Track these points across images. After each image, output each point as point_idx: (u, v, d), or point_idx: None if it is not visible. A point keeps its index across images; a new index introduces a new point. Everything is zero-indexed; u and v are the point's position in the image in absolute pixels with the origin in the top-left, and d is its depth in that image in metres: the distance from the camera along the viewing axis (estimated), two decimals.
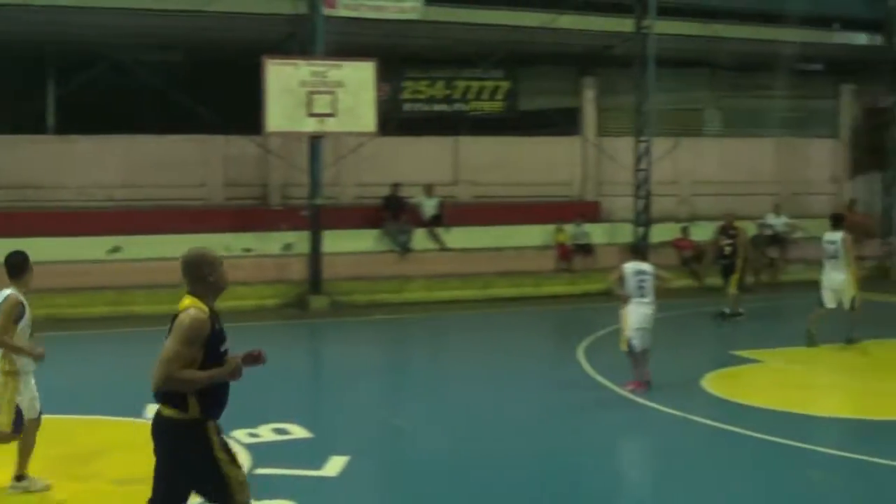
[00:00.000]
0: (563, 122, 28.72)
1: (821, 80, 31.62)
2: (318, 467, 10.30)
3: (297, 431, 12.03)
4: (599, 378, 15.38)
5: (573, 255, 26.70)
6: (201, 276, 6.80)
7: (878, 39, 29.66)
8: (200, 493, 6.90)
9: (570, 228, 26.95)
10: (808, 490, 10.32)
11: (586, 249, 26.68)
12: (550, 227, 26.93)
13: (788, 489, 10.28)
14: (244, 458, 10.90)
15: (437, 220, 26.17)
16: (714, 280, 25.65)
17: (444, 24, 24.34)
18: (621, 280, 14.53)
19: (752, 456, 11.48)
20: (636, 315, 14.41)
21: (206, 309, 6.71)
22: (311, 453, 10.61)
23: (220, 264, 6.88)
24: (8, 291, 9.50)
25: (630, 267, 14.55)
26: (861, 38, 29.59)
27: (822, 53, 29.60)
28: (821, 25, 28.33)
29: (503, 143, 27.91)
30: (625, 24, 25.82)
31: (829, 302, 17.95)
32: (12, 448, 9.72)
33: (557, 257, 26.69)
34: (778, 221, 28.33)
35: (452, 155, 27.84)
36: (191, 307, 6.64)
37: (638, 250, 15.79)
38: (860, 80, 31.65)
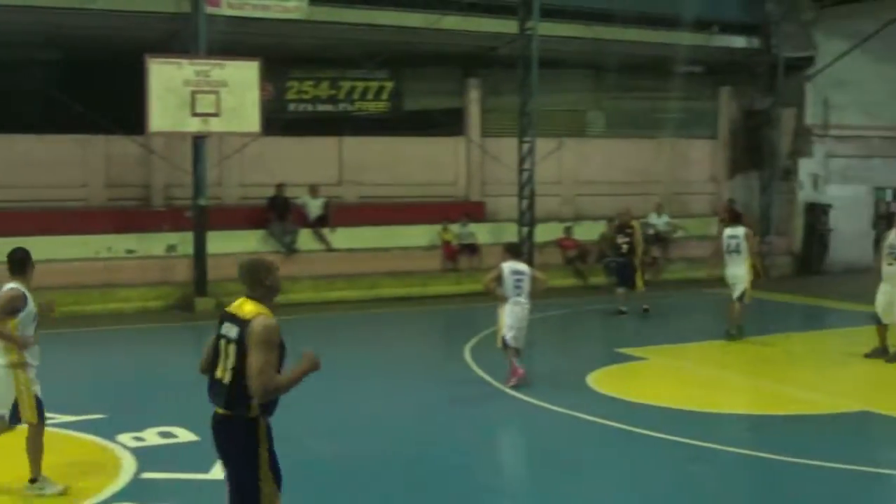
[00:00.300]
0: (448, 123, 28.75)
1: (701, 83, 32.15)
2: (205, 471, 10.13)
3: (183, 435, 11.89)
4: (487, 377, 15.47)
5: (459, 254, 26.80)
6: (259, 280, 7.17)
7: (755, 42, 30.30)
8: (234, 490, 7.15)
9: (455, 228, 27.05)
10: (696, 485, 10.51)
11: (472, 249, 26.81)
12: (436, 227, 27.00)
13: (675, 485, 10.47)
14: (130, 463, 10.77)
15: (322, 221, 26.02)
16: (598, 279, 26.05)
17: (329, 24, 24.20)
18: (499, 279, 14.70)
19: (639, 452, 11.67)
20: (513, 314, 14.62)
21: (271, 314, 7.00)
22: (198, 457, 10.45)
23: (276, 269, 7.26)
24: (11, 284, 9.92)
25: (508, 267, 14.74)
26: (739, 42, 30.18)
27: (702, 56, 30.09)
28: (701, 29, 28.85)
29: (388, 143, 27.88)
30: (509, 26, 25.98)
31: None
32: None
33: (443, 257, 26.77)
34: (660, 221, 28.78)
35: (337, 155, 27.70)
36: (258, 314, 6.96)
37: (515, 250, 15.94)
38: (738, 82, 32.31)
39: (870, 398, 14.42)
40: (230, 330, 6.99)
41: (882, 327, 16.73)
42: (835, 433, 12.67)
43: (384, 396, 14.61)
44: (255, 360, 6.78)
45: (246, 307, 7.03)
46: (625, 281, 22.14)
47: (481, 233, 27.40)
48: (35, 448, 9.76)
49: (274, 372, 6.84)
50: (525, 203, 26.75)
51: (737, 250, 18.45)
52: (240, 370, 6.87)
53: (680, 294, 25.20)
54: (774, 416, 13.73)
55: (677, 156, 31.98)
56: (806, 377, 16.36)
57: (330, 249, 25.77)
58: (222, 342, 7.02)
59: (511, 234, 26.08)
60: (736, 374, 16.42)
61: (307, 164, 26.67)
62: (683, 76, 30.71)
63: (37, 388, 9.80)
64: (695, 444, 11.64)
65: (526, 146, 26.65)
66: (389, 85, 27.78)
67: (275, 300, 7.14)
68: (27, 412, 9.70)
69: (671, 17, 27.27)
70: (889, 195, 32.44)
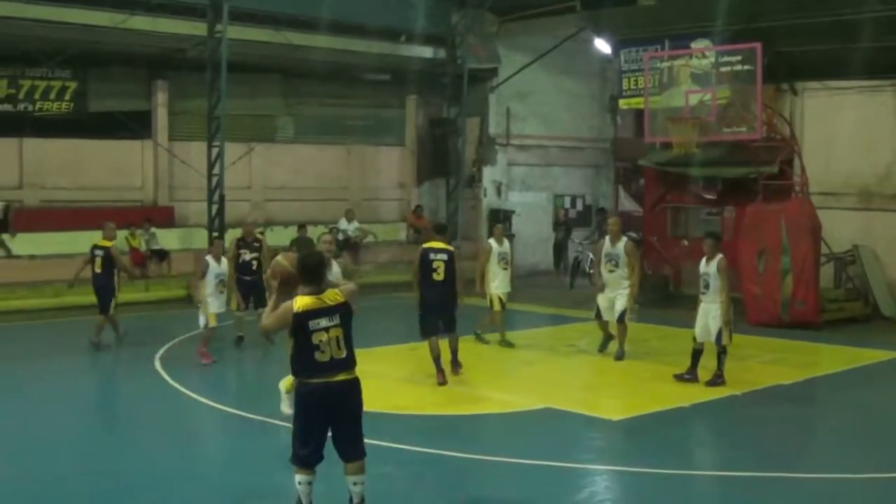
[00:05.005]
0: (135, 126, 28.03)
1: (389, 91, 32.76)
2: None
3: None
4: (178, 386, 15.21)
5: (148, 260, 26.25)
6: None
7: (441, 53, 31.03)
8: None
9: (143, 234, 26.44)
10: (388, 484, 10.70)
11: (161, 255, 26.33)
12: (123, 233, 26.26)
13: (369, 484, 10.62)
14: None
15: (2, 226, 25.00)
16: None
17: (9, 20, 23.22)
18: None
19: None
20: None
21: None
22: None
23: None
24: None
25: None
26: (426, 52, 30.83)
27: (390, 65, 30.63)
28: (389, 38, 29.35)
29: (71, 145, 26.95)
30: (198, 28, 25.68)
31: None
32: None
33: (132, 263, 26.07)
34: (350, 227, 29.09)
35: (17, 157, 26.48)
36: None
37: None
38: (425, 91, 33.04)
39: (549, 395, 15.07)
40: None
41: (604, 323, 18.63)
42: (519, 430, 13.20)
43: (73, 410, 14.17)
44: None
45: None
46: (260, 302, 18.42)
47: (171, 238, 26.93)
48: None
49: None
50: (215, 208, 26.46)
51: None
52: None
53: (370, 299, 25.49)
54: (464, 415, 14.14)
55: (366, 162, 32.45)
56: (493, 378, 16.90)
57: (11, 256, 24.78)
58: None
59: (201, 239, 25.78)
60: (426, 376, 16.74)
61: None
62: (372, 84, 31.24)
63: None
64: (388, 446, 11.83)
65: (215, 150, 26.39)
66: (73, 85, 26.83)
67: None
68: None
69: (360, 25, 27.63)
70: (567, 202, 34.02)
